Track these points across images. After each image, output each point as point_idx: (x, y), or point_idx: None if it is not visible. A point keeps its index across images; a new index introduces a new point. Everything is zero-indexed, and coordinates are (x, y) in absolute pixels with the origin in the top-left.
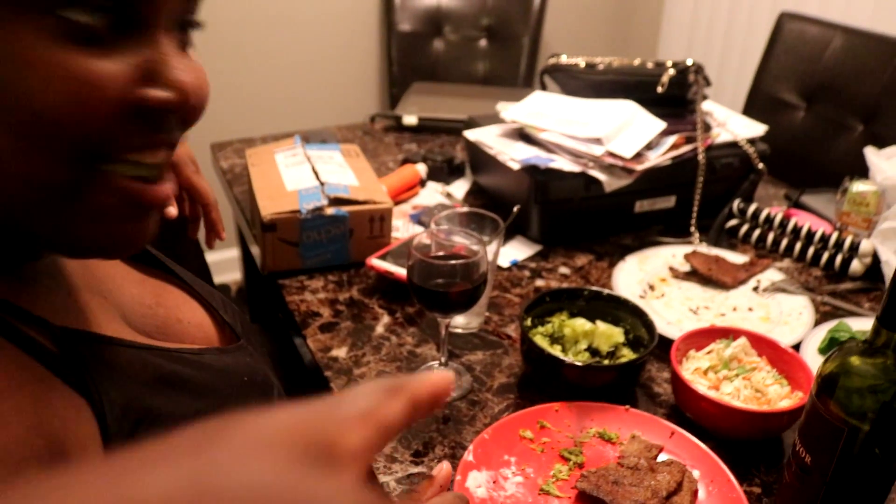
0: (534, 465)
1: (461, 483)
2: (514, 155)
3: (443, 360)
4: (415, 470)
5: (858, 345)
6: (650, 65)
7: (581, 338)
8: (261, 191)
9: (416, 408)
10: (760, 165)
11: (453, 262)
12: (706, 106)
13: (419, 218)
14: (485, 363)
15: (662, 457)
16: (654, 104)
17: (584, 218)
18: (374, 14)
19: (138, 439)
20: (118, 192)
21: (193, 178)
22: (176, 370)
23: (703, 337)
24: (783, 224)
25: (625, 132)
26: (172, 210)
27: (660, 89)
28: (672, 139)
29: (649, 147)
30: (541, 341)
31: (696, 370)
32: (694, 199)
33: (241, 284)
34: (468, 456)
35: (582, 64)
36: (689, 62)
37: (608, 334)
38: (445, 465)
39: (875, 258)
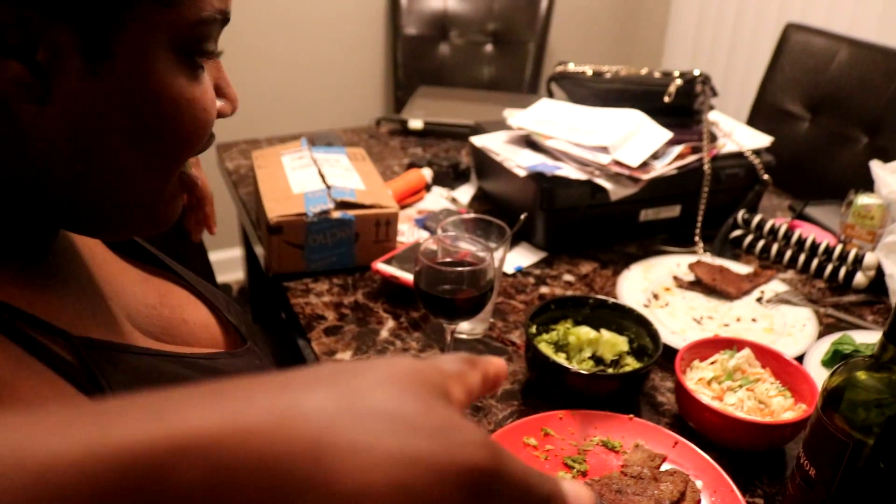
0: None
1: None
2: (521, 162)
3: None
4: None
5: (864, 359)
6: (657, 74)
7: (585, 346)
8: (267, 193)
9: (486, 384)
10: (765, 176)
11: (460, 268)
12: (712, 116)
13: (424, 223)
14: None
15: (666, 466)
16: (661, 114)
17: (590, 226)
18: (381, 17)
19: None
20: (177, 180)
21: (194, 170)
22: (190, 377)
23: (708, 347)
24: (787, 235)
25: (631, 141)
26: None
27: (666, 99)
28: (678, 149)
29: (655, 156)
30: (545, 349)
31: (699, 380)
32: (699, 208)
33: (243, 284)
34: None
35: (589, 72)
36: (697, 72)
37: (612, 343)
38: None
39: (879, 271)
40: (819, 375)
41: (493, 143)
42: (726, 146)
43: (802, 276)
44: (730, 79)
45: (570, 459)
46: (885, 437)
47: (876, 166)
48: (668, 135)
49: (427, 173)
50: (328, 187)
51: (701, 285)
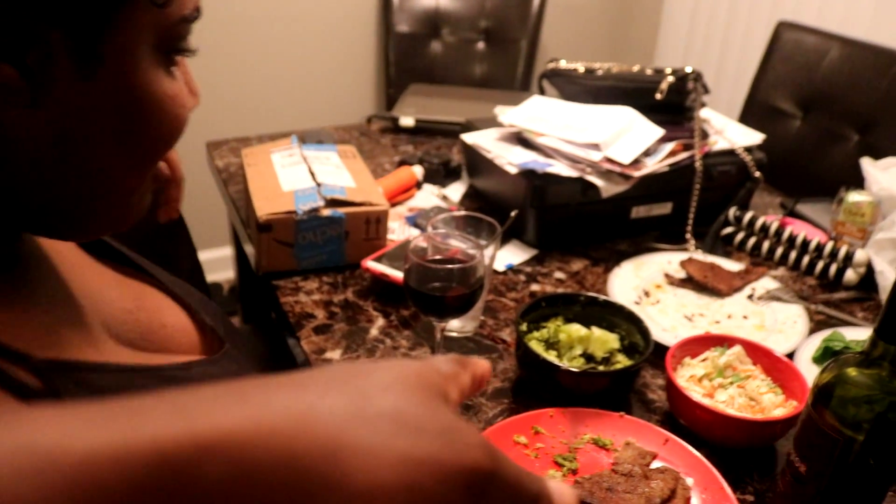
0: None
1: None
2: (512, 159)
3: None
4: None
5: (855, 356)
6: (649, 71)
7: (576, 343)
8: (257, 191)
9: (473, 384)
10: (757, 174)
11: (450, 266)
12: (704, 113)
13: (415, 220)
14: None
15: (656, 464)
16: (653, 111)
17: (581, 223)
18: (372, 15)
19: None
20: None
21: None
22: (162, 390)
23: (698, 344)
24: (779, 233)
25: (623, 138)
26: None
27: (658, 96)
28: (670, 146)
29: (647, 153)
30: (536, 346)
31: (690, 377)
32: (690, 206)
33: (234, 283)
34: None
35: (581, 69)
36: (689, 69)
37: (603, 340)
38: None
39: (869, 268)
40: (810, 372)
41: (484, 140)
42: (718, 143)
43: (793, 273)
44: (722, 76)
45: (561, 457)
46: (875, 433)
47: (867, 164)
48: (659, 132)
49: (418, 171)
50: (318, 185)
51: (692, 282)
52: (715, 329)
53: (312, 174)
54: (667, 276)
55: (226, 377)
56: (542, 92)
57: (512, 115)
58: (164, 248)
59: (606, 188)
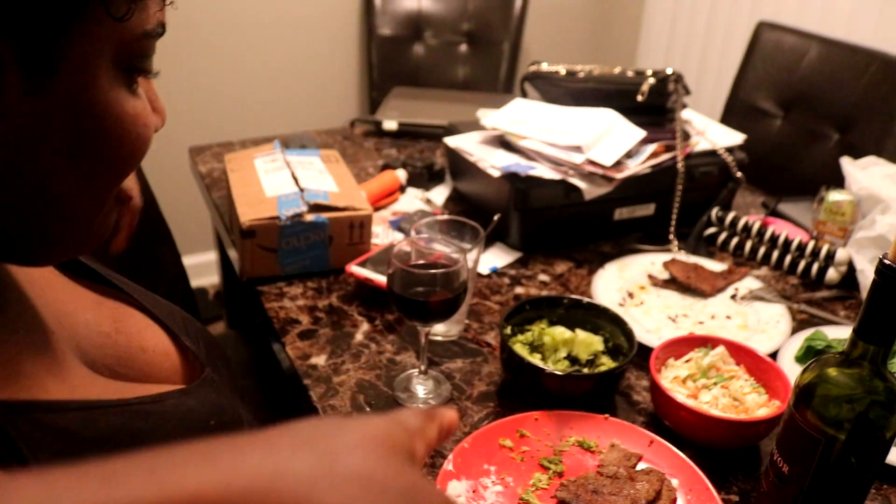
0: (513, 474)
1: None
2: (495, 162)
3: (422, 368)
4: None
5: (835, 356)
6: (630, 73)
7: (561, 346)
8: (240, 197)
9: (440, 436)
10: (738, 174)
11: (433, 270)
12: (685, 114)
13: (399, 224)
14: (464, 371)
15: (641, 465)
16: (634, 112)
17: (564, 225)
18: (355, 18)
19: None
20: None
21: (129, 182)
22: (130, 427)
23: (682, 345)
24: (761, 232)
25: (605, 140)
26: None
27: (640, 98)
28: (651, 147)
29: (629, 155)
30: (520, 349)
31: (674, 378)
32: (673, 207)
33: (218, 288)
34: (448, 465)
35: (562, 72)
36: (669, 71)
37: (588, 342)
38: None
39: (850, 267)
40: (793, 371)
41: (467, 143)
42: (700, 144)
43: (776, 272)
44: (703, 77)
45: (547, 460)
46: (857, 432)
47: (846, 163)
48: (641, 133)
49: (401, 174)
50: (301, 190)
51: (675, 283)
52: (698, 329)
53: (295, 179)
54: (650, 277)
55: (204, 408)
56: (524, 94)
57: (494, 118)
58: (148, 254)
59: (589, 190)
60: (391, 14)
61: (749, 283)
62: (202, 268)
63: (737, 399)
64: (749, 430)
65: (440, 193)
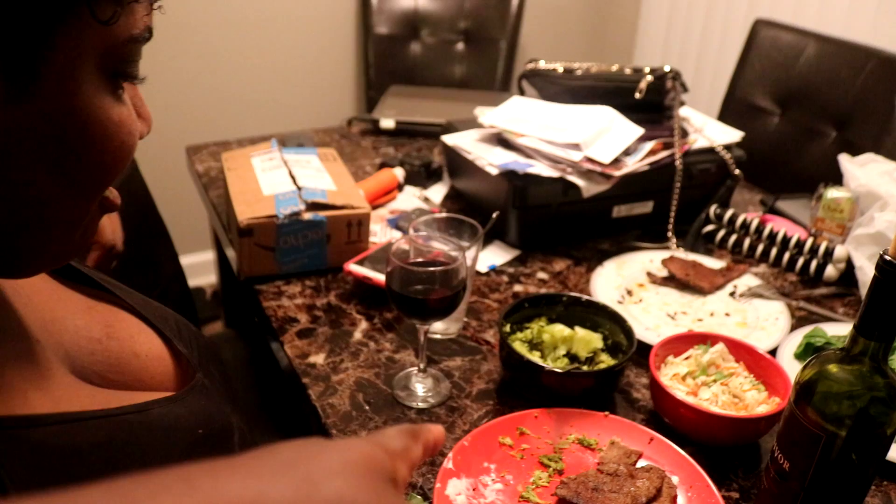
0: (513, 472)
1: (441, 490)
2: (493, 160)
3: (421, 366)
4: None
5: (836, 352)
6: (628, 71)
7: (560, 344)
8: (237, 195)
9: (425, 453)
10: (737, 171)
11: (432, 268)
12: (683, 112)
13: (397, 223)
14: (463, 369)
15: (642, 463)
16: (632, 110)
17: (562, 223)
18: (351, 17)
19: None
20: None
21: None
22: (114, 439)
23: (682, 342)
24: (759, 229)
25: (603, 138)
26: None
27: (637, 95)
28: (649, 145)
29: (627, 153)
30: (520, 347)
31: (674, 376)
32: (671, 204)
33: (216, 288)
34: (447, 463)
35: (560, 69)
36: (667, 68)
37: (587, 340)
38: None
39: (849, 264)
40: (792, 368)
41: (464, 141)
42: (697, 142)
43: (774, 269)
44: (700, 75)
45: (546, 458)
46: (857, 429)
47: (844, 160)
48: (639, 131)
49: (399, 173)
50: (299, 188)
51: (674, 281)
52: (697, 327)
53: (293, 178)
54: (649, 274)
55: (192, 417)
56: (521, 92)
57: (492, 116)
58: (145, 254)
59: (587, 188)
60: (388, 13)
61: (748, 281)
62: (200, 267)
63: (736, 396)
64: (749, 427)
65: (438, 192)
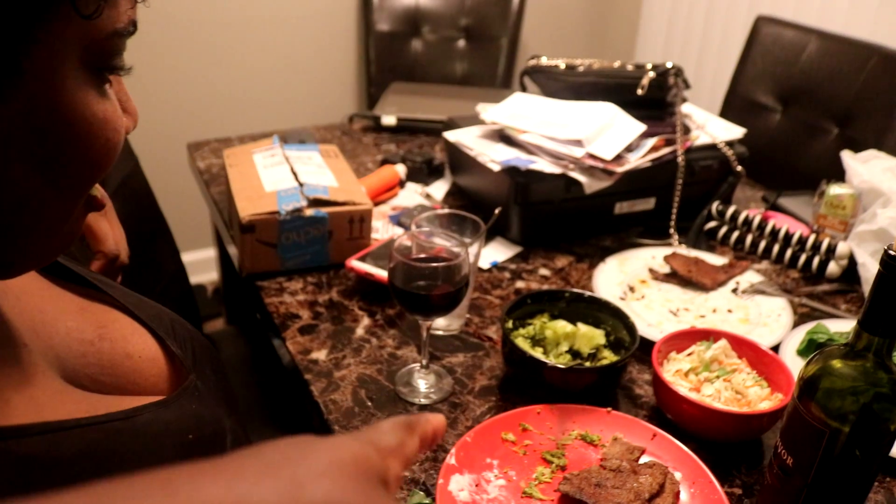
0: (516, 468)
1: (443, 486)
2: (495, 156)
3: (424, 362)
4: None
5: (839, 348)
6: (630, 67)
7: (562, 340)
8: (239, 192)
9: (423, 445)
10: (739, 168)
11: (435, 264)
12: (685, 108)
13: (399, 219)
14: (466, 365)
15: (644, 459)
16: (634, 106)
17: (565, 219)
18: (353, 14)
19: None
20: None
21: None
22: (100, 447)
23: (684, 339)
24: (761, 226)
25: (605, 134)
26: None
27: (640, 92)
28: (652, 141)
29: (629, 149)
30: (522, 343)
31: (677, 372)
32: (673, 201)
33: (218, 285)
34: (450, 459)
35: (562, 66)
36: (669, 65)
37: (589, 336)
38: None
39: (852, 260)
40: (795, 365)
41: (466, 138)
42: (700, 138)
43: (777, 266)
44: (702, 71)
45: (549, 454)
46: (861, 424)
47: (847, 156)
48: (641, 127)
49: (401, 169)
50: (301, 185)
51: (676, 277)
52: (700, 323)
53: (295, 174)
54: (651, 271)
55: (182, 421)
56: (523, 89)
57: (494, 113)
58: (147, 251)
59: (589, 184)
60: (389, 9)
61: (750, 277)
62: (201, 264)
63: (739, 392)
64: (752, 423)
65: (440, 188)
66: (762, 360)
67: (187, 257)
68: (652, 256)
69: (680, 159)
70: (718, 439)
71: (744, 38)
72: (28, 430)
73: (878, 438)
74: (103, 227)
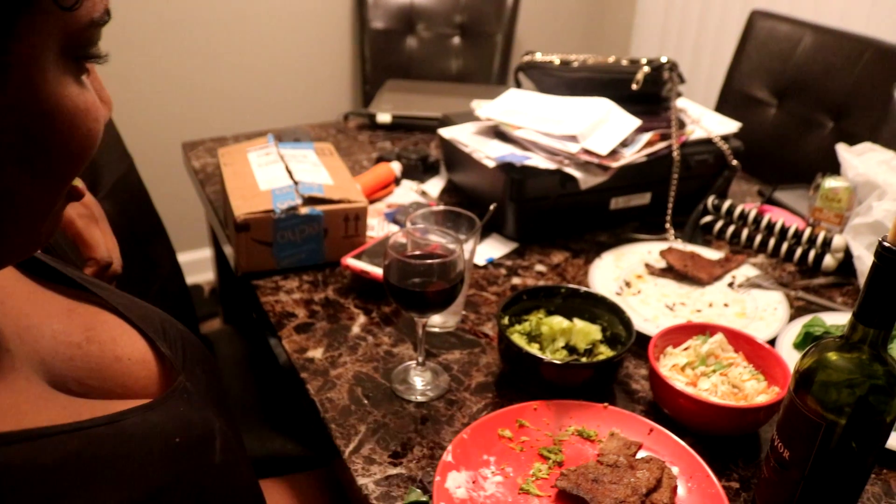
0: (513, 465)
1: (440, 484)
2: (490, 153)
3: (420, 359)
4: (393, 471)
5: (835, 340)
6: (625, 62)
7: (558, 336)
8: (234, 191)
9: None
10: (734, 162)
11: (430, 261)
12: (680, 103)
13: (394, 216)
14: (462, 362)
15: (641, 454)
16: (629, 101)
17: (560, 215)
18: (347, 11)
19: None
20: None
21: (78, 225)
22: (84, 453)
23: (680, 333)
24: (757, 220)
25: (600, 129)
26: None
27: (634, 87)
28: (647, 136)
29: (624, 144)
30: (518, 340)
31: (673, 366)
32: (669, 195)
33: (214, 285)
34: (447, 456)
35: (557, 61)
36: (664, 59)
37: (585, 332)
38: None
39: (847, 253)
40: (791, 358)
41: (461, 134)
42: (695, 133)
43: (773, 259)
44: (697, 66)
45: (546, 450)
46: (857, 417)
47: (842, 149)
48: (636, 122)
49: (396, 167)
50: (296, 183)
51: (672, 272)
52: (696, 318)
53: (290, 172)
54: (647, 266)
55: (169, 424)
56: (518, 85)
57: (489, 109)
58: (142, 252)
59: (585, 180)
60: (383, 7)
61: (746, 271)
62: (197, 264)
63: (736, 386)
64: (749, 417)
65: (435, 185)
66: (759, 354)
67: (183, 257)
68: (648, 251)
69: (675, 154)
70: (715, 433)
71: (739, 32)
72: (8, 438)
73: (874, 430)
74: (95, 234)
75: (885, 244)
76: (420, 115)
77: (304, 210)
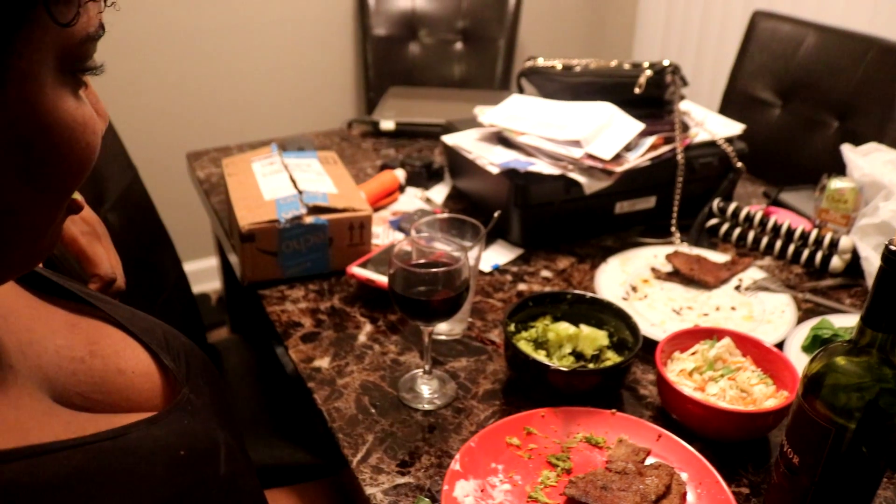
0: (521, 473)
1: (448, 492)
2: (493, 159)
3: (426, 367)
4: (401, 480)
5: (843, 344)
6: (627, 66)
7: (565, 342)
8: (238, 201)
9: None
10: (739, 164)
11: (435, 269)
12: (684, 106)
13: (399, 224)
14: (469, 370)
15: (650, 460)
16: (632, 105)
17: (565, 220)
18: (349, 19)
19: None
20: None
21: (81, 242)
22: (87, 469)
23: (688, 338)
24: (763, 222)
25: (603, 134)
26: None
27: (637, 90)
28: (651, 140)
29: (628, 148)
30: (525, 346)
31: (681, 371)
32: (674, 199)
33: (221, 294)
34: (455, 465)
35: (559, 66)
36: (666, 63)
37: (592, 338)
38: None
39: (854, 254)
40: (800, 361)
41: (465, 141)
42: (699, 135)
43: (779, 262)
44: (700, 68)
45: (554, 457)
46: (867, 421)
47: (847, 150)
48: (640, 126)
49: (400, 174)
50: (300, 192)
51: (679, 276)
52: (703, 322)
53: (294, 182)
54: (653, 270)
55: (172, 437)
56: (521, 90)
57: (492, 115)
58: (148, 261)
59: (589, 185)
60: (385, 14)
61: (753, 274)
62: (204, 273)
63: (744, 391)
64: (758, 422)
65: (440, 192)
66: (767, 358)
67: (190, 267)
68: (654, 255)
69: (679, 157)
70: (724, 439)
71: (741, 33)
72: (11, 455)
73: (884, 435)
74: (98, 251)
75: (892, 248)
76: (423, 122)
77: (309, 219)
